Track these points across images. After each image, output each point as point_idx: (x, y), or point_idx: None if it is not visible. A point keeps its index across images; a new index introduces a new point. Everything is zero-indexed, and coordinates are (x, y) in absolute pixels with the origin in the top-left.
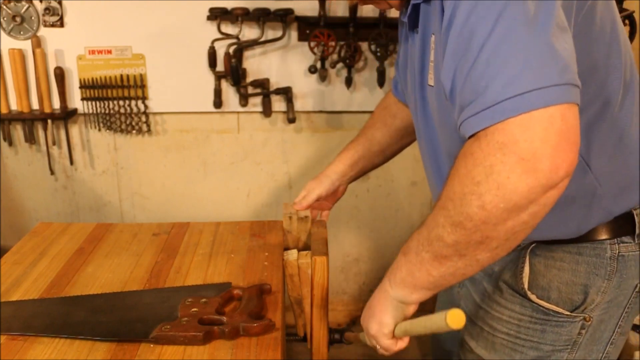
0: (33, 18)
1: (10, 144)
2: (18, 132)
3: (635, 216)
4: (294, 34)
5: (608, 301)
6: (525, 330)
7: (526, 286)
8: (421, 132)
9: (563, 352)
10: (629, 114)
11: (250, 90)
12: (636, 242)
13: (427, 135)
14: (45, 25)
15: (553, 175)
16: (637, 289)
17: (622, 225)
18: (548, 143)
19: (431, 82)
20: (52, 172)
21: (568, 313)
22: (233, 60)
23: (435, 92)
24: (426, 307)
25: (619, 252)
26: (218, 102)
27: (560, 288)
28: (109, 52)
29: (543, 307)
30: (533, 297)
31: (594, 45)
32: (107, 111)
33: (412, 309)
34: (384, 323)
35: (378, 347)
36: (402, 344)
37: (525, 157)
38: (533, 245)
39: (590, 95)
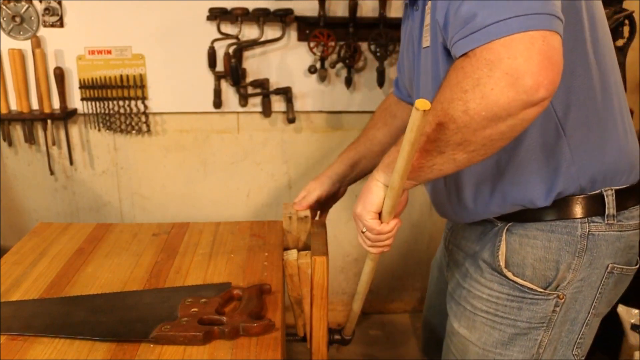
0: (33, 18)
1: (10, 144)
2: (18, 132)
3: (605, 197)
4: (293, 34)
5: (580, 279)
6: (503, 308)
7: (502, 264)
8: None
9: (539, 329)
10: (609, 108)
11: (250, 90)
12: (606, 222)
13: None
14: (45, 26)
15: (534, 92)
16: (608, 269)
17: (592, 205)
18: (530, 61)
19: (426, 43)
20: (52, 172)
21: (542, 290)
22: (233, 60)
23: (431, 51)
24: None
25: (589, 231)
26: (218, 102)
27: (534, 265)
28: (109, 52)
29: (519, 284)
30: (509, 274)
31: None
32: (107, 111)
33: (397, 194)
34: (367, 202)
35: (364, 229)
36: (386, 226)
37: (509, 72)
38: (509, 224)
39: (572, 54)
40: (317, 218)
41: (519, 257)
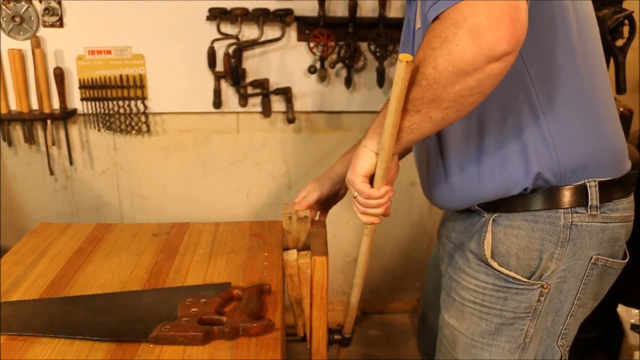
0: (32, 18)
1: (10, 144)
2: (17, 132)
3: (588, 188)
4: (293, 34)
5: (564, 269)
6: (489, 298)
7: (488, 254)
8: None
9: (524, 319)
10: (593, 97)
11: (249, 90)
12: (589, 213)
13: None
14: (44, 26)
15: (495, 46)
16: (592, 261)
17: (575, 196)
18: (492, 18)
19: (418, 24)
20: (52, 173)
21: (526, 280)
22: (232, 60)
23: (422, 32)
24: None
25: (572, 222)
26: (218, 103)
27: (519, 254)
28: (109, 52)
29: (503, 274)
30: (494, 264)
31: None
32: (106, 111)
33: (389, 156)
34: (357, 167)
35: (355, 194)
36: (376, 191)
37: (471, 29)
38: (495, 215)
39: (554, 33)
40: (317, 218)
41: (504, 247)
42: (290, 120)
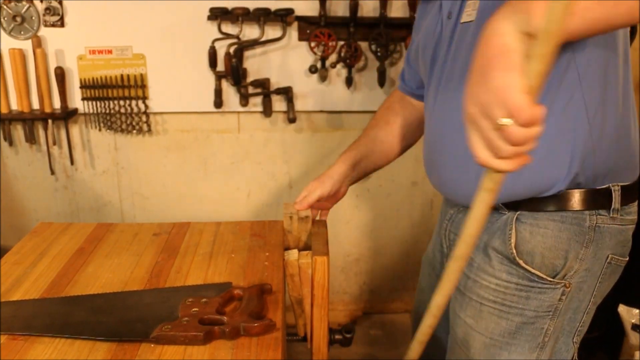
0: (33, 18)
1: (11, 143)
2: (18, 132)
3: (612, 192)
4: (294, 33)
5: (585, 269)
6: (511, 297)
7: (515, 252)
8: (440, 101)
9: (545, 318)
10: (626, 109)
11: (250, 90)
12: (610, 215)
13: (449, 99)
14: (45, 25)
15: None
16: (608, 260)
17: (599, 199)
18: None
19: (468, 17)
20: (53, 172)
21: (550, 279)
22: (233, 60)
23: (475, 26)
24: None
25: (596, 223)
26: (218, 102)
27: (544, 253)
28: (110, 52)
29: (529, 271)
30: (521, 261)
31: None
32: (107, 111)
33: (553, 44)
34: (501, 67)
35: (504, 121)
36: (538, 109)
37: None
38: (518, 213)
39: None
40: (318, 218)
41: (529, 246)
42: (291, 120)
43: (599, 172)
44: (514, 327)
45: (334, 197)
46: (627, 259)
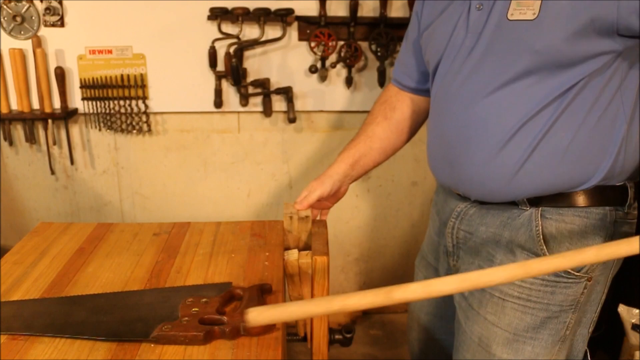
0: (33, 18)
1: (11, 143)
2: (18, 132)
3: (629, 189)
4: (294, 33)
5: (604, 263)
6: (537, 293)
7: (545, 247)
8: (451, 94)
9: (568, 311)
10: None
11: (250, 90)
12: (625, 211)
13: (465, 92)
14: (45, 25)
15: None
16: None
17: (618, 196)
18: None
19: (522, 15)
20: (53, 172)
21: (577, 273)
22: (233, 60)
23: (534, 25)
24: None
25: (615, 219)
26: (218, 102)
27: (570, 249)
28: (110, 51)
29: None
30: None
31: None
32: (107, 111)
33: None
34: None
35: None
36: None
37: None
38: (541, 209)
39: None
40: (318, 217)
41: (555, 241)
42: (291, 120)
43: (623, 170)
44: (538, 321)
45: (334, 196)
46: None
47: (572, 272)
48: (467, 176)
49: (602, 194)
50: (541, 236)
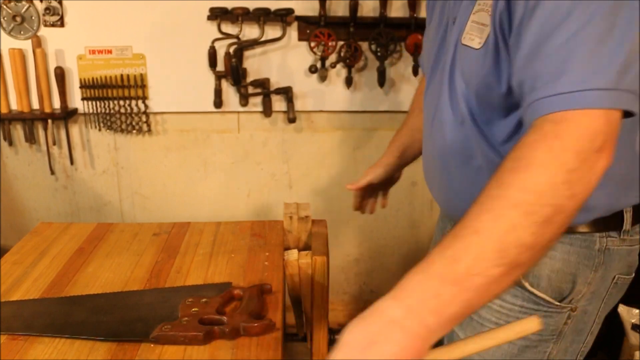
0: (33, 18)
1: (11, 143)
2: (18, 132)
3: (624, 213)
4: (294, 33)
5: (592, 292)
6: (514, 320)
7: (521, 276)
8: (432, 105)
9: (549, 342)
10: None
11: (250, 90)
12: (620, 237)
13: (437, 106)
14: (45, 25)
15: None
16: (614, 280)
17: (611, 220)
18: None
19: (471, 42)
20: (53, 172)
21: (557, 303)
22: (233, 60)
23: (482, 55)
24: None
25: (606, 246)
26: (218, 102)
27: (551, 276)
28: (109, 51)
29: (535, 294)
30: (526, 284)
31: None
32: (107, 111)
33: None
34: None
35: None
36: None
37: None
38: None
39: None
40: (379, 201)
41: (535, 268)
42: (291, 120)
43: (614, 203)
44: (516, 350)
45: (389, 182)
46: (633, 275)
47: (552, 301)
48: (449, 198)
49: (589, 220)
50: None
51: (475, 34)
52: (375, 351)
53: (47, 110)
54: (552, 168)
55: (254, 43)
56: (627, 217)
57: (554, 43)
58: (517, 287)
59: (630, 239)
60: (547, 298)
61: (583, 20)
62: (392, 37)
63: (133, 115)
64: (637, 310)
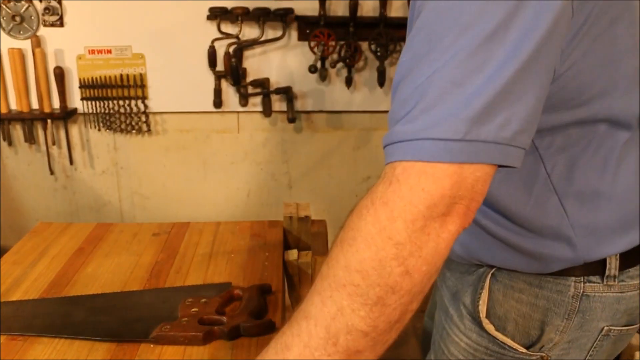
0: (33, 17)
1: (10, 143)
2: (18, 132)
3: (607, 259)
4: (294, 33)
5: (568, 341)
6: None
7: (483, 315)
8: None
9: None
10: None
11: (250, 90)
12: (604, 283)
13: None
14: (45, 25)
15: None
16: (603, 332)
17: (590, 265)
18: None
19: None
20: (52, 172)
21: (524, 350)
22: (233, 59)
23: None
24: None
25: (583, 292)
26: (218, 102)
27: (517, 320)
28: (109, 51)
29: (499, 339)
30: (490, 327)
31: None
32: (107, 111)
33: None
34: None
35: None
36: None
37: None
38: (494, 269)
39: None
40: None
41: (502, 310)
42: (291, 120)
43: (586, 254)
44: None
45: None
46: (638, 325)
47: (518, 347)
48: None
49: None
50: (481, 300)
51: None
52: None
53: (47, 110)
54: (378, 241)
55: (254, 43)
56: (612, 262)
57: (413, 80)
58: (481, 328)
59: (620, 285)
60: (512, 344)
61: (447, 55)
62: (392, 37)
63: (132, 115)
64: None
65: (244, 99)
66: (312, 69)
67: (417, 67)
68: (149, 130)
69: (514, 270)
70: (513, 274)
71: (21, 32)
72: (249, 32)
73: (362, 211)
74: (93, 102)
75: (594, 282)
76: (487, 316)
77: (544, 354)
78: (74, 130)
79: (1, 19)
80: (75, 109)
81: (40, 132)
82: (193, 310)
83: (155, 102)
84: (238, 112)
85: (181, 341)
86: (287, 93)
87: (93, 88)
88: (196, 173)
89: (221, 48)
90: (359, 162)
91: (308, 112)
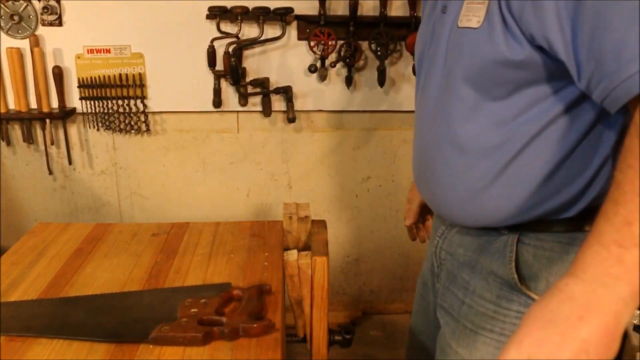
0: (31, 17)
1: (9, 143)
2: (16, 131)
3: None
4: (293, 33)
5: None
6: (511, 327)
7: (516, 276)
8: (427, 98)
9: None
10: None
11: (249, 89)
12: None
13: (434, 99)
14: (43, 24)
15: None
16: None
17: None
18: None
19: (468, 22)
20: (51, 172)
21: None
22: (232, 59)
23: (480, 33)
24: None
25: None
26: (217, 102)
27: (549, 279)
28: (108, 51)
29: (532, 298)
30: (522, 287)
31: None
32: (105, 110)
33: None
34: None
35: None
36: None
37: None
38: (520, 234)
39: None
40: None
41: (532, 270)
42: (291, 120)
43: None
44: None
45: None
46: None
47: None
48: (436, 197)
49: (585, 218)
50: (513, 263)
51: (471, 14)
52: (556, 330)
53: (45, 109)
54: None
55: (254, 42)
56: None
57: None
58: (512, 291)
59: None
60: None
61: None
62: (392, 36)
63: (132, 114)
64: (638, 311)
65: (243, 99)
66: (312, 69)
67: None
68: (148, 130)
69: (542, 230)
70: (541, 235)
71: (19, 32)
72: (249, 31)
73: None
74: (92, 102)
75: None
76: (520, 279)
77: None
78: (73, 130)
79: (0, 19)
80: (74, 109)
81: (39, 132)
82: (192, 310)
83: (155, 101)
84: (237, 111)
85: (180, 342)
86: (286, 93)
87: (92, 88)
88: (195, 173)
89: (221, 47)
90: (359, 162)
91: (308, 112)
